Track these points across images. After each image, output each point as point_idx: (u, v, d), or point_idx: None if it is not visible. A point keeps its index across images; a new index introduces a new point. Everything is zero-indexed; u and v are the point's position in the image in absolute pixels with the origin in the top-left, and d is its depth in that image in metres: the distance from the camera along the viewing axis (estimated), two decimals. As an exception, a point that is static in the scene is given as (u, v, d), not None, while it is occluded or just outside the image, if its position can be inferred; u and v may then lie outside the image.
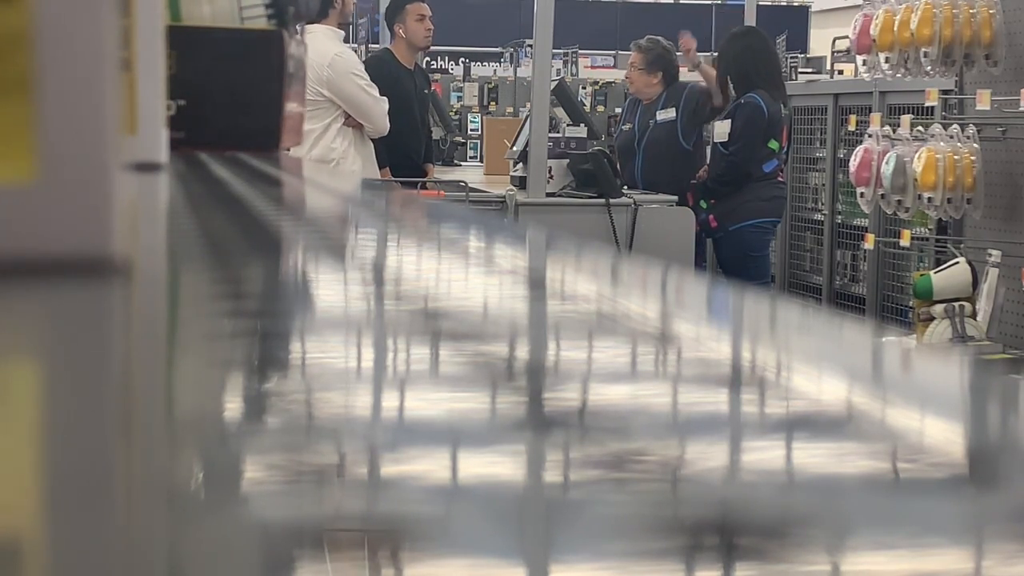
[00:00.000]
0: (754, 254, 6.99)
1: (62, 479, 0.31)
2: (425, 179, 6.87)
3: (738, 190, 6.75)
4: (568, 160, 6.50)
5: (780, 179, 6.88)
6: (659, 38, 7.59)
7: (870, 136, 6.14)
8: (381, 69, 6.84)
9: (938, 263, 6.07)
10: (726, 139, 6.79)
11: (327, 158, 5.89)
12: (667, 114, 7.27)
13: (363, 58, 7.73)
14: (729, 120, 6.79)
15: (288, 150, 2.09)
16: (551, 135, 6.41)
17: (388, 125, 6.03)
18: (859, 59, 6.23)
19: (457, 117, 11.76)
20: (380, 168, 6.54)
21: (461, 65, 14.24)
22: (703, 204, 6.90)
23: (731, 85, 6.87)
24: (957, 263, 5.72)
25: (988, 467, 0.34)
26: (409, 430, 0.36)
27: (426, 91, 7.24)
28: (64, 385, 0.42)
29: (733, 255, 6.93)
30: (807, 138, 8.01)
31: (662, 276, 0.73)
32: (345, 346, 0.49)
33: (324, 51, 5.92)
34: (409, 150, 6.78)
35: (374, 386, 0.42)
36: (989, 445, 0.37)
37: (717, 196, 6.82)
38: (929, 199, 5.77)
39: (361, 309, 0.60)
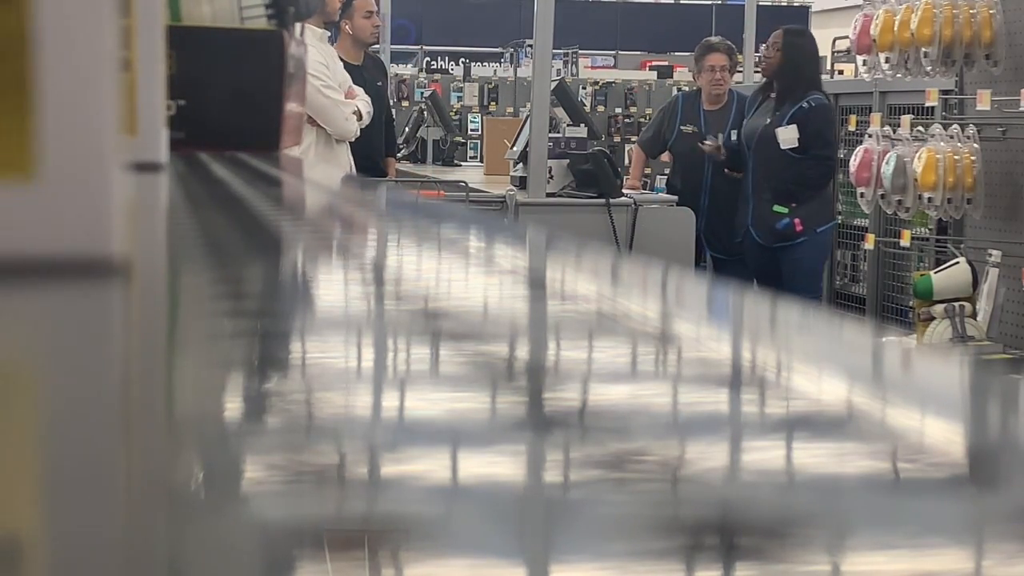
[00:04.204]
0: (825, 260, 6.86)
1: (62, 479, 0.31)
2: (426, 179, 6.85)
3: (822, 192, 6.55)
4: (568, 160, 6.50)
5: None
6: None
7: (870, 136, 6.15)
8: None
9: (938, 263, 6.08)
10: (795, 144, 6.50)
11: None
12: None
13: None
14: (795, 125, 6.52)
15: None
16: (551, 135, 6.41)
17: (351, 129, 5.91)
18: (859, 59, 6.23)
19: (457, 117, 11.78)
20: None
21: (461, 65, 14.25)
22: (779, 209, 6.59)
23: (782, 85, 6.62)
24: (957, 263, 5.72)
25: (988, 467, 0.34)
26: (409, 430, 0.36)
27: (380, 84, 7.10)
28: (64, 385, 0.42)
29: (813, 262, 6.67)
30: (808, 138, 8.00)
31: (662, 276, 0.73)
32: (345, 346, 0.49)
33: None
34: (369, 148, 6.66)
35: (374, 386, 0.42)
36: (989, 445, 0.37)
37: (801, 201, 6.55)
38: (929, 199, 5.78)
39: (361, 309, 0.60)
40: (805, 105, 6.49)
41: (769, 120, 6.61)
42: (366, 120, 6.21)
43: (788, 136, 6.51)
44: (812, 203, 6.51)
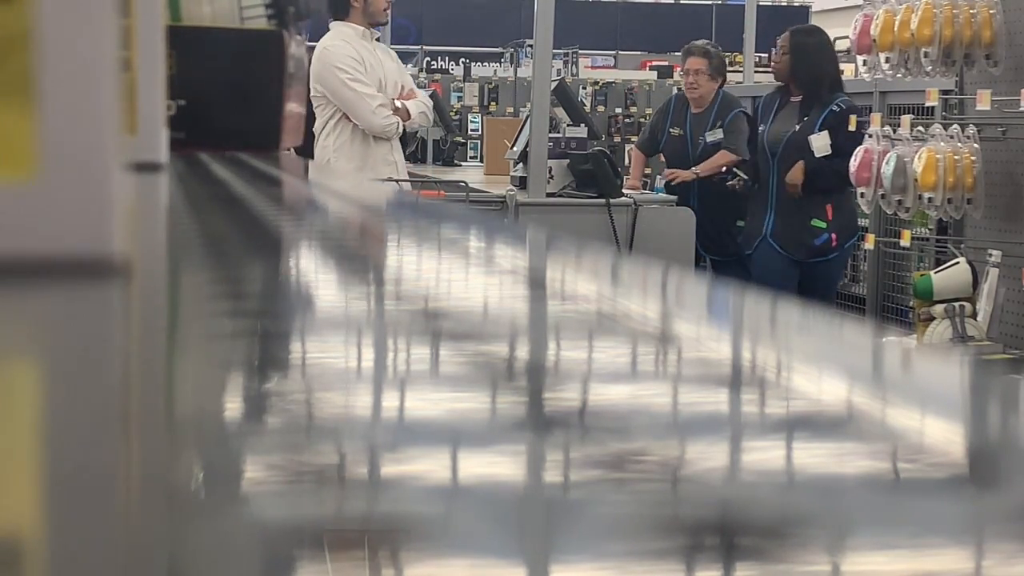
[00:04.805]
0: (842, 275, 6.61)
1: (62, 479, 0.31)
2: (426, 179, 6.82)
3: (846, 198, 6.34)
4: (568, 160, 6.50)
5: None
6: (714, 43, 7.44)
7: (870, 136, 6.14)
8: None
9: (938, 263, 6.07)
10: (829, 151, 6.29)
11: (321, 156, 5.82)
12: (715, 135, 7.07)
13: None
14: (827, 131, 6.32)
15: (289, 150, 2.10)
16: (551, 135, 6.41)
17: (381, 123, 5.79)
18: (859, 59, 6.22)
19: (457, 117, 11.78)
20: None
21: (461, 65, 14.25)
22: (818, 223, 6.33)
23: (804, 89, 6.41)
24: (957, 263, 5.72)
25: (988, 467, 0.34)
26: (409, 430, 0.36)
27: None
28: (64, 385, 0.42)
29: (836, 277, 6.46)
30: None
31: (662, 276, 0.73)
32: (345, 346, 0.49)
33: (320, 45, 5.88)
34: None
35: (374, 386, 0.42)
36: (989, 445, 0.37)
37: (830, 193, 6.31)
38: (929, 199, 5.77)
39: (361, 309, 0.60)
40: (836, 108, 6.34)
41: (798, 127, 6.41)
42: (417, 120, 6.05)
43: (822, 143, 6.31)
44: (844, 217, 6.36)
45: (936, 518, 0.30)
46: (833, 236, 6.35)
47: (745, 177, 6.56)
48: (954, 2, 5.76)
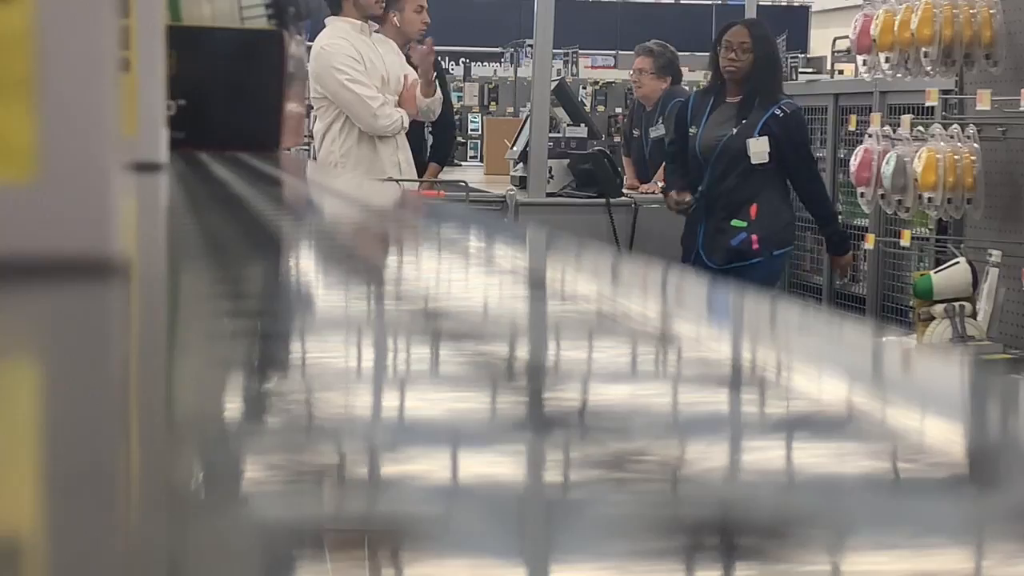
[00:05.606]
0: (777, 289, 6.08)
1: (62, 479, 0.31)
2: (427, 179, 6.79)
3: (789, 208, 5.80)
4: (568, 160, 6.50)
5: None
6: (665, 43, 7.40)
7: (870, 136, 6.14)
8: None
9: (938, 263, 6.07)
10: (766, 159, 5.61)
11: (326, 160, 5.73)
12: (658, 130, 7.01)
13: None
14: (766, 137, 5.62)
15: (289, 150, 2.10)
16: (551, 135, 6.42)
17: (383, 125, 5.62)
18: (859, 59, 6.22)
19: (457, 117, 11.77)
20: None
21: (461, 65, 14.25)
22: (737, 223, 5.65)
23: (760, 89, 5.71)
24: (957, 263, 5.72)
25: (988, 467, 0.34)
26: (409, 430, 0.36)
27: None
28: (64, 385, 0.42)
29: (764, 287, 6.01)
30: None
31: (662, 276, 0.73)
32: (345, 346, 0.49)
33: (318, 45, 5.77)
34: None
35: (374, 386, 0.42)
36: (989, 445, 0.37)
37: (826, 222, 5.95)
38: (929, 199, 5.77)
39: (361, 309, 0.60)
40: (779, 112, 5.65)
41: (735, 130, 5.67)
42: (428, 105, 5.91)
43: (760, 149, 5.61)
44: (770, 223, 5.69)
45: (936, 518, 0.30)
46: (753, 238, 5.63)
47: (692, 203, 5.85)
48: (954, 2, 5.76)
